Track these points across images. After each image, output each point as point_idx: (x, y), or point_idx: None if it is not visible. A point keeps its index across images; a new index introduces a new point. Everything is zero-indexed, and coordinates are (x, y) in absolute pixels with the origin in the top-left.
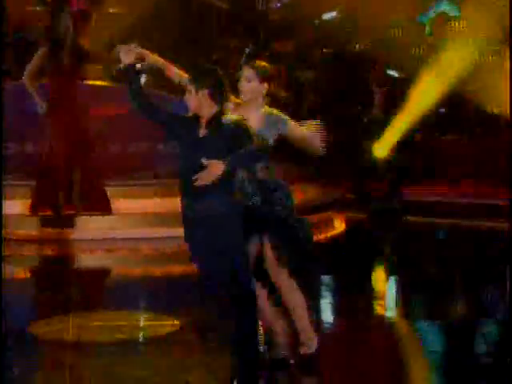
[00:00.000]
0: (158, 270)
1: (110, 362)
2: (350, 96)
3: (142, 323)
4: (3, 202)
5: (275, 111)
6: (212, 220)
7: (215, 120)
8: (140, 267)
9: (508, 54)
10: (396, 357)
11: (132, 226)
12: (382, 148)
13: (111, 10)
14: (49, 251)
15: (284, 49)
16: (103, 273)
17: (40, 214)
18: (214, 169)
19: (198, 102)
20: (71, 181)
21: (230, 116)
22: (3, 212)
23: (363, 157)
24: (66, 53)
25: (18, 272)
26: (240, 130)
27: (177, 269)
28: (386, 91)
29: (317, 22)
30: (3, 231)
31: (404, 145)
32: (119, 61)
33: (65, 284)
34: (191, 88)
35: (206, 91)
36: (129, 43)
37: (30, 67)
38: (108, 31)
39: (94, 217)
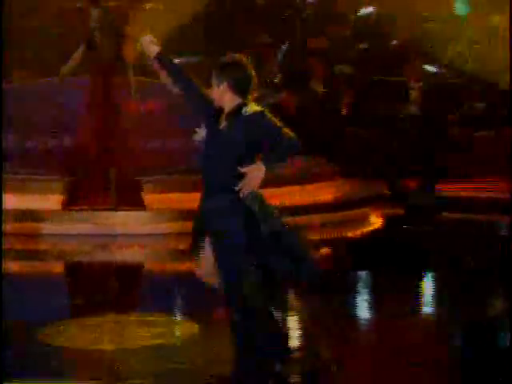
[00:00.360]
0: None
1: (145, 357)
2: (387, 92)
3: (174, 319)
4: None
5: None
6: (215, 216)
7: (234, 112)
8: (173, 263)
9: None
10: (430, 354)
11: (165, 221)
12: (415, 144)
13: (148, 7)
14: (82, 246)
15: (320, 44)
16: (137, 268)
17: (73, 208)
18: (257, 172)
19: (220, 96)
20: (107, 176)
21: (252, 107)
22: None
23: (399, 153)
24: (104, 50)
25: (55, 267)
26: (260, 120)
27: None
28: (423, 87)
29: (353, 17)
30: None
31: (439, 140)
32: (145, 55)
33: (98, 280)
34: (214, 82)
35: (225, 84)
36: (145, 35)
37: (69, 65)
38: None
39: (128, 212)
